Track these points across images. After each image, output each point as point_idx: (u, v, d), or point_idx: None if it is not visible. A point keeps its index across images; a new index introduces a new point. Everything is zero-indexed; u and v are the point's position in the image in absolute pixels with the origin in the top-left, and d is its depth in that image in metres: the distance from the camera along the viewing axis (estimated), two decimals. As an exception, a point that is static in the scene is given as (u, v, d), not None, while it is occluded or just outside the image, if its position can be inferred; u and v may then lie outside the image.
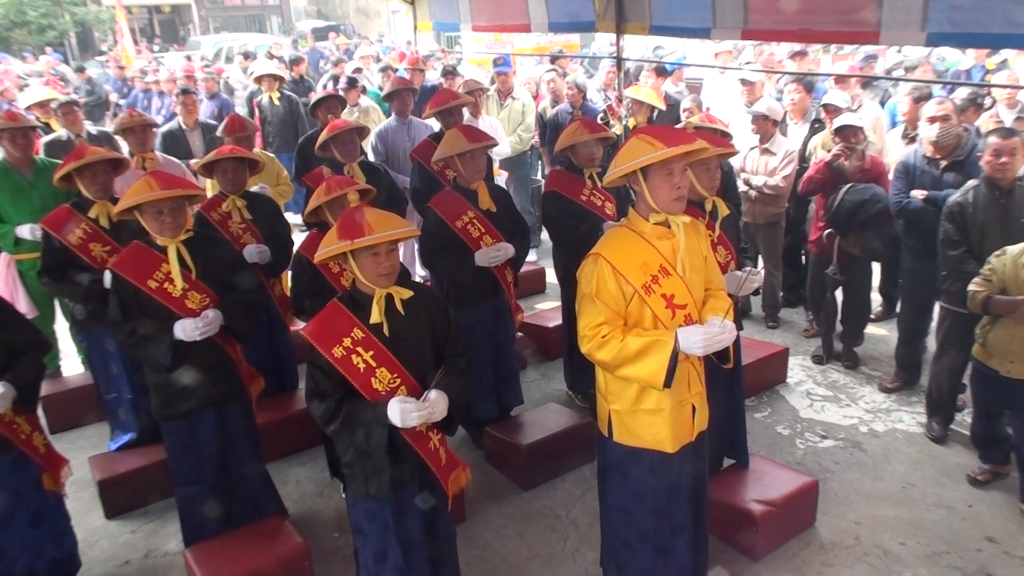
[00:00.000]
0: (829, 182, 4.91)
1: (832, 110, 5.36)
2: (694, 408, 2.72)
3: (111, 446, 4.31)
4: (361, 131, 4.85)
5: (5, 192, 4.63)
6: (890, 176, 4.80)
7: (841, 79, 6.35)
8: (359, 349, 2.52)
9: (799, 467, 4.06)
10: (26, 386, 2.96)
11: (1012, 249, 3.58)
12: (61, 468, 3.19)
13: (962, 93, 5.39)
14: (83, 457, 4.23)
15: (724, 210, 3.34)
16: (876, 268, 5.36)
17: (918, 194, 4.43)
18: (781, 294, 6.01)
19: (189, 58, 16.47)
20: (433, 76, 8.84)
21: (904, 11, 3.93)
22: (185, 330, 3.11)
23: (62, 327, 5.29)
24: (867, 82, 7.10)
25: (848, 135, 4.84)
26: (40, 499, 3.10)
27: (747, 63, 9.17)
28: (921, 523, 3.67)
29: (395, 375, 2.55)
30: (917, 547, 3.51)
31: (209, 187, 4.58)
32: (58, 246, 3.88)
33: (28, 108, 6.77)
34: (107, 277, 3.74)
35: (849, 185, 4.81)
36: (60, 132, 6.15)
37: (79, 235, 3.88)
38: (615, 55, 6.19)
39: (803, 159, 5.61)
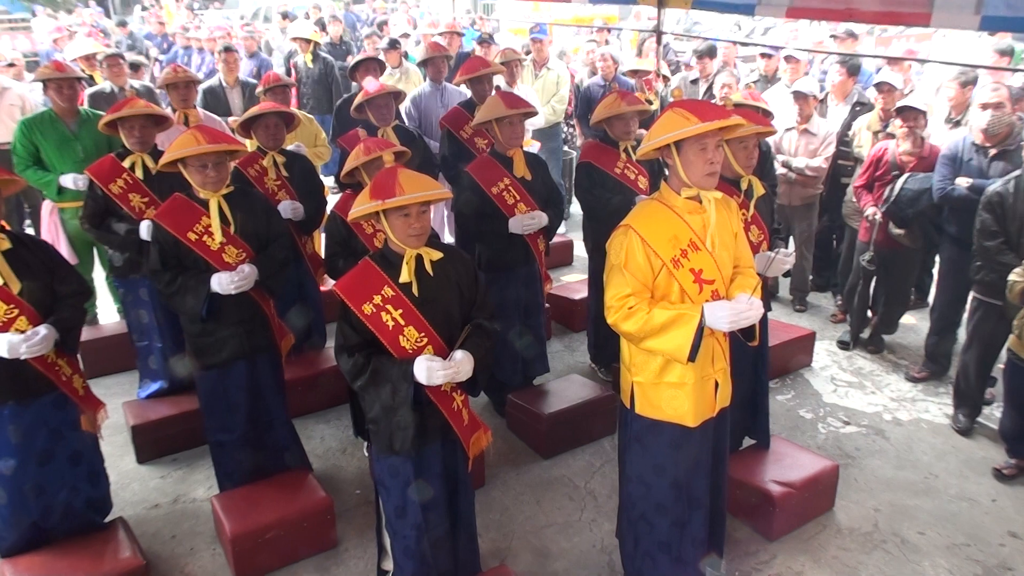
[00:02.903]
0: (882, 172, 4.81)
1: (886, 89, 5.23)
2: (717, 384, 2.73)
3: (140, 394, 4.42)
4: (397, 95, 4.86)
5: (50, 142, 4.73)
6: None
7: (894, 61, 6.22)
8: (389, 307, 2.56)
9: (820, 451, 4.05)
10: (68, 329, 3.06)
11: (1055, 241, 3.51)
12: (98, 411, 3.29)
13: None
14: (117, 403, 4.36)
15: (759, 189, 3.31)
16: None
17: (963, 182, 4.34)
18: (811, 278, 5.95)
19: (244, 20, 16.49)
20: (469, 43, 8.80)
21: (959, -8, 3.81)
22: (221, 283, 3.18)
23: (100, 276, 5.42)
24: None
25: (909, 117, 4.72)
26: (78, 439, 3.22)
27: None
28: (942, 514, 3.65)
29: (423, 334, 2.59)
30: (937, 538, 3.50)
31: (249, 146, 4.65)
32: (100, 194, 3.97)
33: (74, 60, 6.85)
34: (143, 227, 3.84)
35: (908, 174, 4.69)
36: (104, 84, 6.24)
37: (120, 185, 3.96)
38: (655, 29, 6.11)
39: (843, 142, 5.52)
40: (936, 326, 4.78)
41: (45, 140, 4.72)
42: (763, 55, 6.92)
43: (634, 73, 6.82)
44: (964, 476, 3.93)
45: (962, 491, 3.82)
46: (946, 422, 4.39)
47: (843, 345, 5.27)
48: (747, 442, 3.83)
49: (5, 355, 2.84)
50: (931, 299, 5.13)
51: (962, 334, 4.53)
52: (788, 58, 6.25)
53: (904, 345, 5.30)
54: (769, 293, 4.15)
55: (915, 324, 5.54)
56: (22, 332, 2.89)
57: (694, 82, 6.95)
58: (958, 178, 4.38)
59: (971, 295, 4.25)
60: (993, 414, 4.38)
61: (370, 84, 4.64)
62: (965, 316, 4.45)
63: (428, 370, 2.49)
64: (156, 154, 3.94)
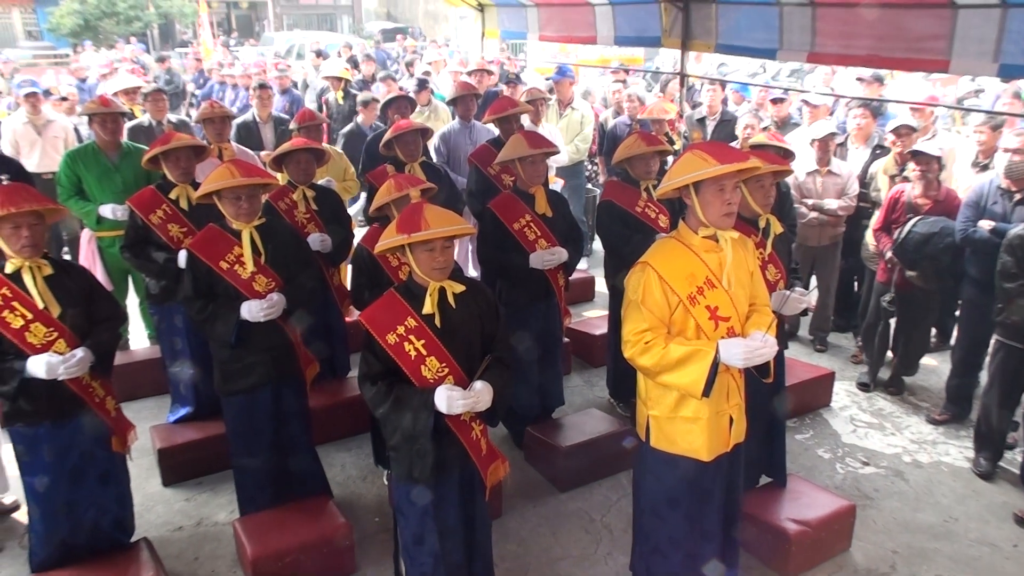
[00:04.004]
0: (898, 215, 4.85)
1: (903, 133, 5.27)
2: (731, 419, 2.77)
3: (169, 417, 4.53)
4: (425, 132, 5.01)
5: (92, 173, 4.93)
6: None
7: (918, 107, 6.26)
8: (411, 337, 2.64)
9: (838, 491, 4.04)
10: (103, 353, 3.18)
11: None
12: (129, 432, 3.40)
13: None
14: (144, 426, 4.44)
15: (777, 228, 3.37)
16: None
17: (985, 224, 4.37)
18: (832, 317, 5.95)
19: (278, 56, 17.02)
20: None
21: (977, 41, 3.91)
22: (251, 311, 3.29)
23: (132, 302, 5.57)
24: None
25: (922, 161, 4.74)
26: (108, 460, 3.33)
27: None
28: (962, 558, 3.62)
29: (444, 364, 2.66)
30: (955, 582, 3.47)
31: (280, 180, 4.82)
32: (140, 224, 4.12)
33: (115, 94, 7.12)
34: (182, 256, 3.98)
35: (919, 217, 4.71)
36: (143, 118, 6.47)
37: (160, 215, 4.12)
38: (678, 71, 6.26)
39: (862, 184, 5.56)
40: (957, 368, 4.76)
41: (87, 172, 4.93)
42: (774, 101, 6.93)
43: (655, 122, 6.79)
44: (985, 520, 3.90)
45: (983, 536, 3.78)
46: (967, 465, 4.36)
47: (863, 386, 5.25)
48: (764, 480, 3.83)
49: (43, 375, 2.96)
50: (953, 341, 5.13)
51: (984, 377, 4.51)
52: (806, 102, 6.33)
53: (925, 387, 5.27)
54: (785, 332, 4.18)
55: (936, 366, 5.51)
56: (60, 354, 3.01)
57: (700, 121, 7.01)
58: (980, 220, 4.40)
59: (993, 337, 4.25)
60: (1015, 458, 4.33)
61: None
62: (987, 359, 4.44)
63: (448, 399, 2.57)
64: (195, 186, 4.09)
